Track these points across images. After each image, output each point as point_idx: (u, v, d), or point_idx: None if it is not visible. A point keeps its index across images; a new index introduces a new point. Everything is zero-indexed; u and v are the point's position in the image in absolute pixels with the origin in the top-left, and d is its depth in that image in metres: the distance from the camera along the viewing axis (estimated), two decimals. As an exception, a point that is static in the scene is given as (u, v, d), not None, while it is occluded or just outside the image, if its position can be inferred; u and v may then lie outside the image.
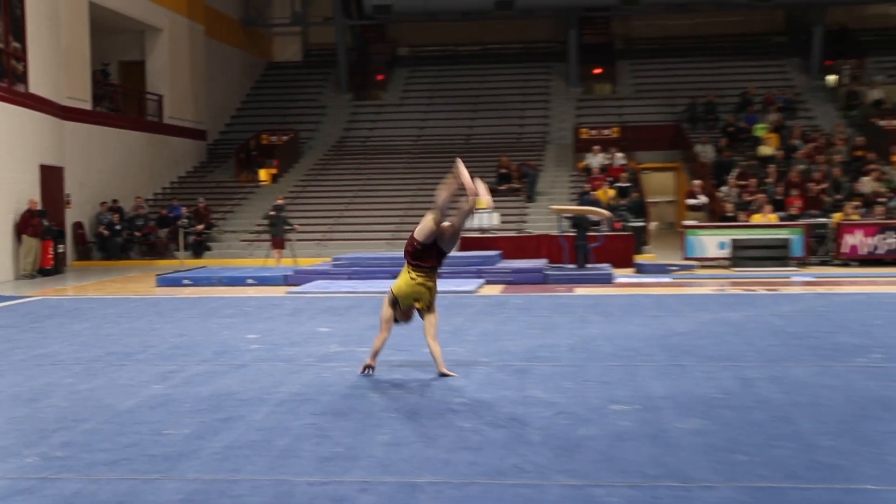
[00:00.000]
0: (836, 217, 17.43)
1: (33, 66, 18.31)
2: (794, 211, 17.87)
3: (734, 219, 18.01)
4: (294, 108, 29.27)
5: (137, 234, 21.02)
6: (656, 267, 15.95)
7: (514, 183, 22.54)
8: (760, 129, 23.24)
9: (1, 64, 17.10)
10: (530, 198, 22.05)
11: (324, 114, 29.16)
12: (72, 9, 20.31)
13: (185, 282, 14.38)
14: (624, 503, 3.76)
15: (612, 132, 24.91)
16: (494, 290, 13.08)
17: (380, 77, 30.28)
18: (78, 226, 20.46)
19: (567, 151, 25.25)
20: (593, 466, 4.26)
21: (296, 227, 18.21)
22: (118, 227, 20.78)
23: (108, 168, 21.83)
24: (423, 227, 6.35)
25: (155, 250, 20.99)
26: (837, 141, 22.22)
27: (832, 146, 21.79)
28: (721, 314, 9.65)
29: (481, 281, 13.68)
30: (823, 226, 17.19)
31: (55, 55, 19.39)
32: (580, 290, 12.74)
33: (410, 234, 6.51)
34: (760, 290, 12.52)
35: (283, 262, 17.53)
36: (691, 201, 19.71)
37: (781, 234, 16.39)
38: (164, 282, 14.46)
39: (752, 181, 19.65)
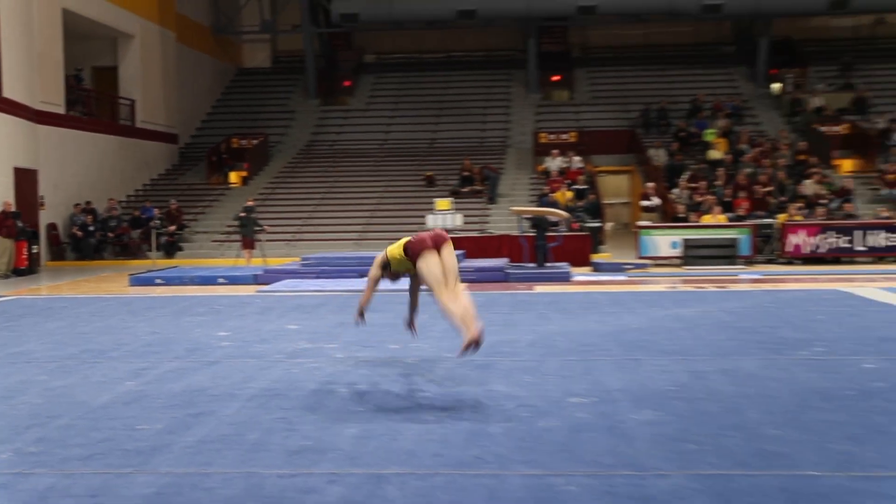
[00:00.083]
0: (781, 218, 17.83)
1: (7, 71, 18.35)
2: (741, 212, 18.26)
3: (685, 219, 18.25)
4: (263, 112, 29.39)
5: (111, 234, 21.10)
6: (612, 266, 16.16)
7: (476, 185, 22.87)
8: (710, 135, 23.49)
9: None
10: (492, 199, 22.36)
11: (292, 118, 29.28)
12: (45, 15, 20.37)
13: (158, 281, 14.37)
14: (582, 492, 3.84)
15: (569, 137, 25.10)
16: (458, 288, 13.43)
17: (347, 83, 30.50)
18: (52, 227, 20.57)
19: (527, 155, 25.51)
20: (552, 457, 4.33)
21: (265, 227, 18.20)
22: (91, 228, 20.91)
23: (82, 171, 21.93)
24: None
25: (128, 251, 21.07)
26: (782, 146, 22.50)
27: (777, 151, 22.15)
28: (673, 310, 9.73)
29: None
30: (769, 226, 17.54)
31: (29, 60, 19.46)
32: (540, 288, 12.81)
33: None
34: (710, 288, 12.65)
35: (253, 262, 17.49)
36: (645, 203, 20.01)
37: (730, 234, 16.70)
38: (137, 281, 14.47)
39: (702, 184, 19.94)
